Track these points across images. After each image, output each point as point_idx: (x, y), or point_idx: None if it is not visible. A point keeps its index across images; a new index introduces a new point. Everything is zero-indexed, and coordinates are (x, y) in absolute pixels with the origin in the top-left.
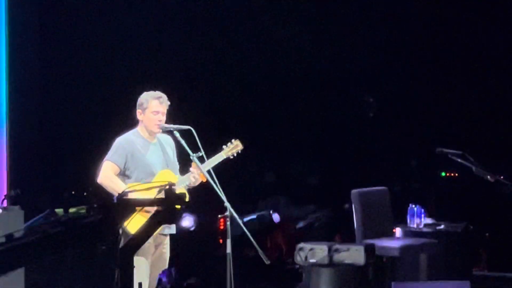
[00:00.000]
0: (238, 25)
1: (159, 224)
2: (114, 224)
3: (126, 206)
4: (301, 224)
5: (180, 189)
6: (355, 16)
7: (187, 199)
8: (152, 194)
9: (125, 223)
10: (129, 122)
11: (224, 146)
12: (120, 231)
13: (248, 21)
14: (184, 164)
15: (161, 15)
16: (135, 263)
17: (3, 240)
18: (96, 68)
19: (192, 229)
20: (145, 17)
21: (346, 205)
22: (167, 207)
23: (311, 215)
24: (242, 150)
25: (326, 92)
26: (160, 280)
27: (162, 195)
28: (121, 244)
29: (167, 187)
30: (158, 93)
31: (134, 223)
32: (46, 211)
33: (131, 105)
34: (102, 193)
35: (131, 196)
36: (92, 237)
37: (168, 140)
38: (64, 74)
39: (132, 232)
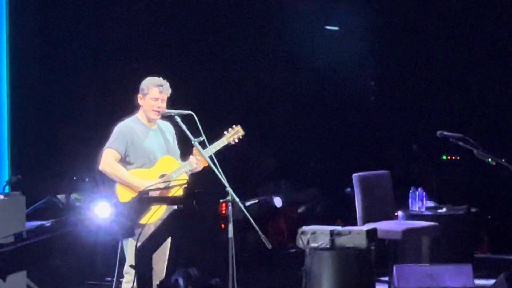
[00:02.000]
0: (239, 9)
1: (178, 223)
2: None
3: (142, 204)
4: (302, 208)
5: (182, 175)
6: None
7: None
8: (153, 178)
9: None
10: (129, 108)
11: (225, 132)
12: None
13: (249, 7)
14: (186, 149)
15: (160, 2)
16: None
17: (11, 239)
18: (96, 54)
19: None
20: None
21: (348, 189)
22: (187, 205)
23: (313, 199)
24: (245, 134)
25: (327, 76)
26: (176, 281)
27: (165, 179)
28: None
29: (186, 185)
30: (160, 80)
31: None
32: (47, 197)
33: (131, 92)
34: (104, 179)
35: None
36: (104, 237)
37: (168, 127)
38: (65, 61)
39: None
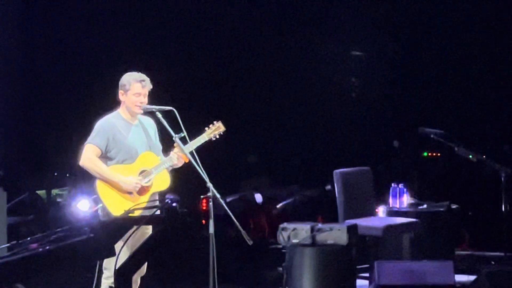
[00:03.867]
0: (221, 4)
1: (159, 244)
2: (106, 243)
3: (120, 224)
4: (283, 204)
5: (162, 170)
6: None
7: (169, 182)
8: (134, 174)
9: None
10: (110, 104)
11: (206, 128)
12: (100, 211)
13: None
14: (167, 145)
15: None
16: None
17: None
18: (78, 50)
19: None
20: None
21: (328, 187)
22: (169, 225)
23: (293, 195)
24: (226, 131)
25: (308, 73)
26: None
27: (145, 175)
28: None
29: (168, 204)
30: (141, 76)
31: (114, 203)
32: (26, 193)
33: (113, 87)
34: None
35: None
36: (84, 256)
37: (149, 122)
38: (46, 57)
39: (113, 212)
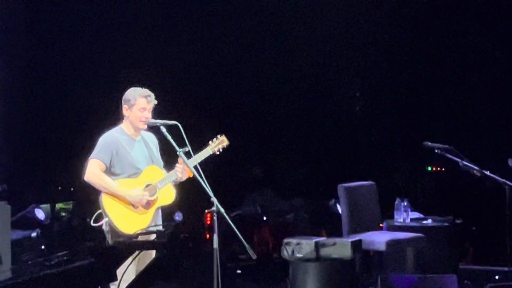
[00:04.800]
0: (223, 21)
1: (157, 272)
2: (107, 268)
3: (121, 249)
4: (287, 218)
5: (167, 184)
6: (341, 11)
7: (174, 196)
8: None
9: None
10: (114, 118)
11: (210, 142)
12: (107, 228)
13: (233, 17)
14: (171, 159)
15: (145, 11)
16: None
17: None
18: (82, 65)
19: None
20: (131, 12)
21: (331, 202)
22: (171, 251)
23: (298, 210)
24: (230, 145)
25: (312, 87)
26: None
27: (151, 190)
28: (109, 240)
29: (170, 229)
30: (146, 91)
31: (120, 217)
32: (30, 206)
33: (116, 102)
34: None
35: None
36: (85, 281)
37: (151, 138)
38: (50, 71)
39: (118, 226)
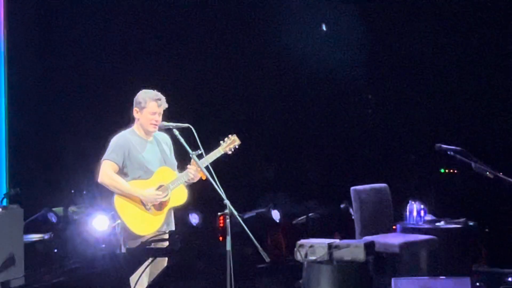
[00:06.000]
0: (237, 22)
1: (172, 277)
2: (121, 275)
3: (135, 256)
4: (300, 221)
5: (179, 185)
6: (353, 13)
7: (186, 196)
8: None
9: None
10: (126, 120)
11: (221, 142)
12: (118, 228)
13: (246, 20)
14: (183, 162)
15: (160, 14)
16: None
17: None
18: (94, 67)
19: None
20: (145, 15)
21: (342, 205)
22: (183, 258)
23: (310, 212)
24: (243, 147)
25: (326, 89)
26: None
27: (163, 191)
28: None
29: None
30: (157, 94)
31: (132, 219)
32: (43, 210)
33: (129, 104)
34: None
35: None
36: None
37: (165, 138)
38: (62, 74)
39: (131, 228)
